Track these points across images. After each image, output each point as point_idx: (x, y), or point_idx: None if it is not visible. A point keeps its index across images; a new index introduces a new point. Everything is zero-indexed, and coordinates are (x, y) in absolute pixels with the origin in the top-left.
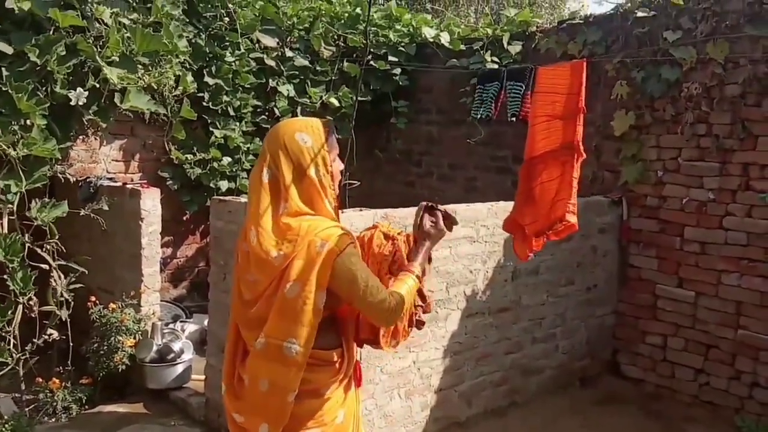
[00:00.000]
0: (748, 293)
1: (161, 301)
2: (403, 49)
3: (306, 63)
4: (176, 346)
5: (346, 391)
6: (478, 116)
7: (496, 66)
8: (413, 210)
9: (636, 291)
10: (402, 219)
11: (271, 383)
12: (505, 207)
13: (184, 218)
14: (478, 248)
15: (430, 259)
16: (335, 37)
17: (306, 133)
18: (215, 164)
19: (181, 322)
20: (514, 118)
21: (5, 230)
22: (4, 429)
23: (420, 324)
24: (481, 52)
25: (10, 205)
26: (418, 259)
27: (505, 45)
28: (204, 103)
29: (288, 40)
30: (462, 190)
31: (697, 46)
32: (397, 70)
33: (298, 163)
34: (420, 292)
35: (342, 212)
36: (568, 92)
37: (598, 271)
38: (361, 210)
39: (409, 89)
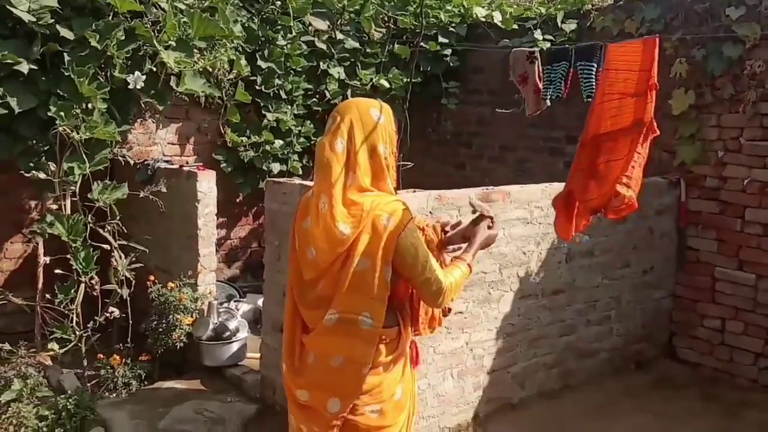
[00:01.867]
0: None
1: (218, 282)
2: (453, 29)
3: (356, 45)
4: (232, 325)
5: (404, 369)
6: (548, 97)
7: (549, 45)
8: (465, 192)
9: (694, 273)
10: (455, 200)
11: (346, 358)
12: (559, 188)
13: (238, 200)
14: (531, 230)
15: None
16: (385, 18)
17: (381, 112)
18: (268, 147)
19: (235, 301)
20: (590, 99)
21: (68, 211)
22: (68, 403)
23: (447, 311)
24: (534, 31)
25: (73, 187)
26: (471, 251)
27: (559, 24)
28: (257, 87)
29: (338, 22)
30: (512, 171)
31: (761, 22)
32: (448, 51)
33: (371, 136)
34: None
35: (397, 193)
36: (640, 69)
37: (655, 253)
38: (414, 191)
39: (459, 70)
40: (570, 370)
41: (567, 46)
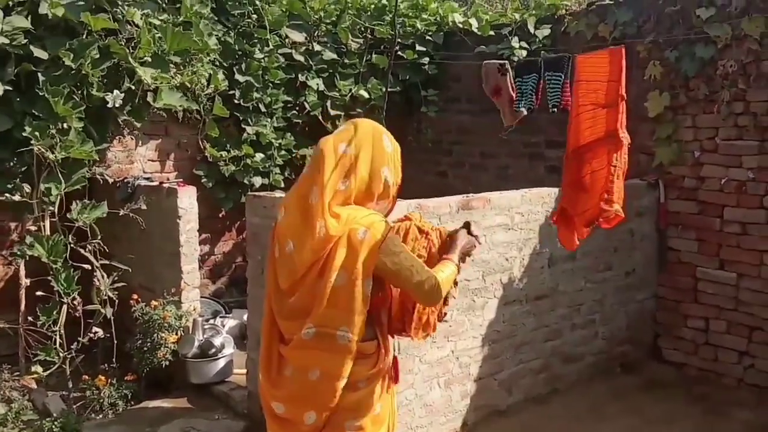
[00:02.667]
0: None
1: (203, 297)
2: (430, 38)
3: (334, 56)
4: (217, 341)
5: (383, 384)
6: (520, 109)
7: (525, 52)
8: (446, 200)
9: (676, 274)
10: (435, 209)
11: (322, 372)
12: (539, 194)
13: (220, 215)
14: (513, 236)
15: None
16: (362, 29)
17: (392, 143)
18: (248, 161)
19: (220, 317)
20: (555, 110)
21: (48, 232)
22: (53, 426)
23: (443, 316)
24: (510, 37)
25: (51, 207)
26: (455, 252)
27: (532, 30)
28: (235, 101)
29: (315, 34)
30: (494, 178)
31: (731, 23)
32: (426, 60)
33: (379, 158)
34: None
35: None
36: (608, 79)
37: (636, 255)
38: None
39: (438, 78)
40: (557, 374)
41: (537, 58)
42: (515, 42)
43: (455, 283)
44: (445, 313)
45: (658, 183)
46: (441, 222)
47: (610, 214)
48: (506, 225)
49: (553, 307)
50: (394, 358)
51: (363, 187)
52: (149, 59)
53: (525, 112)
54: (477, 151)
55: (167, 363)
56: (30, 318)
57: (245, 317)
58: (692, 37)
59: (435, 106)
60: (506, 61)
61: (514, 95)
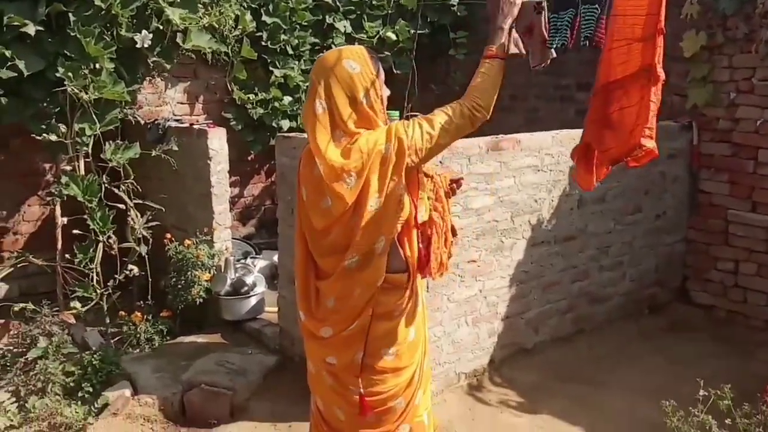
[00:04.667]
0: None
1: (234, 239)
2: None
3: None
4: (249, 280)
5: (415, 311)
6: (554, 45)
7: None
8: (475, 140)
9: (707, 217)
10: (464, 149)
11: (362, 288)
12: (569, 135)
13: (249, 158)
14: (542, 177)
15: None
16: None
17: (353, 60)
18: (276, 104)
19: (251, 258)
20: (586, 42)
21: (82, 172)
22: (93, 359)
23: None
24: None
25: (85, 148)
26: (496, 36)
27: None
28: (262, 43)
29: None
30: (524, 121)
31: None
32: (455, 0)
33: (350, 89)
34: (453, 228)
35: None
36: (647, 13)
37: (667, 197)
38: None
39: (467, 20)
40: (583, 315)
41: None
42: None
43: (454, 232)
44: (451, 255)
45: (691, 125)
46: (470, 162)
47: (641, 152)
48: (536, 166)
49: (582, 248)
50: (419, 250)
51: (353, 122)
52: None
53: (554, 54)
54: (506, 94)
55: (201, 300)
56: (67, 256)
57: (275, 258)
58: None
59: (464, 48)
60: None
61: (547, 35)
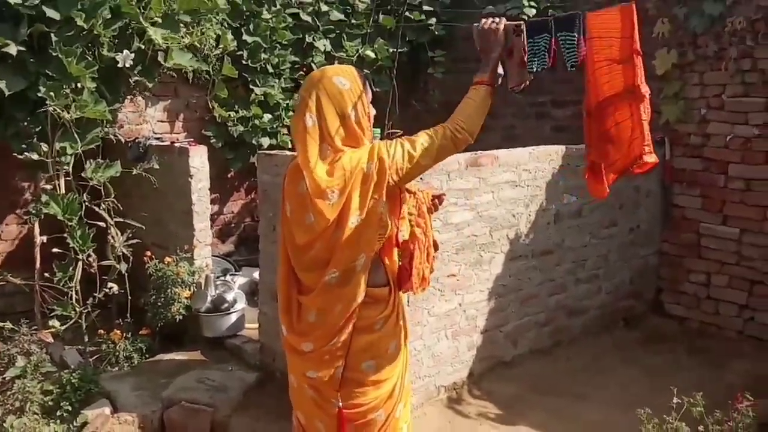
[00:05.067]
0: None
1: (214, 256)
2: None
3: (341, 17)
4: (229, 296)
5: (395, 326)
6: (533, 69)
7: (534, 11)
8: (453, 157)
9: (680, 230)
10: (444, 165)
11: (343, 304)
12: (546, 151)
13: (229, 176)
14: (520, 192)
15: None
16: None
17: (343, 77)
18: (256, 121)
19: (230, 275)
20: (573, 68)
21: (63, 190)
22: (72, 377)
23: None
24: None
25: (66, 167)
26: (488, 66)
27: None
28: (243, 62)
29: None
30: (500, 138)
31: None
32: (433, 20)
33: (339, 105)
34: (435, 243)
35: None
36: (621, 36)
37: (641, 211)
38: None
39: (445, 38)
40: (561, 327)
41: (546, 17)
42: (525, 1)
43: (436, 247)
44: (433, 270)
45: (664, 140)
46: (450, 178)
47: (642, 162)
48: (513, 182)
49: (559, 262)
50: (400, 266)
51: (340, 136)
52: (159, 20)
53: (532, 76)
54: None
55: (181, 317)
56: (45, 275)
57: (255, 274)
58: None
59: (442, 67)
60: (522, 22)
61: (525, 57)
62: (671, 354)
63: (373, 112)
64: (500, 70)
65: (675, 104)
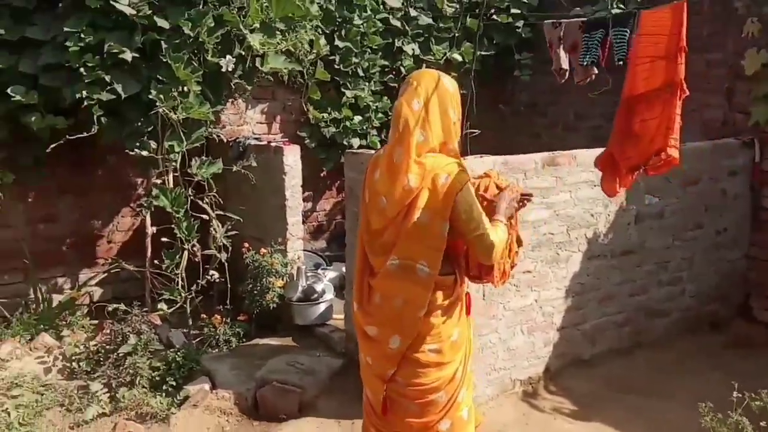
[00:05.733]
0: None
1: (305, 251)
2: (525, 0)
3: (429, 21)
4: (319, 287)
5: (460, 314)
6: (585, 63)
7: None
8: (531, 156)
9: None
10: (521, 164)
11: (404, 300)
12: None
13: (321, 175)
14: (598, 192)
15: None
16: None
17: (452, 83)
18: (347, 123)
19: (321, 269)
20: (621, 62)
21: (171, 185)
22: (177, 356)
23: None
24: None
25: (174, 163)
26: (500, 212)
27: None
28: (335, 66)
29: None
30: (586, 138)
31: None
32: (520, 23)
33: (444, 101)
34: (518, 238)
35: (464, 159)
36: (669, 33)
37: (729, 214)
38: (481, 156)
39: (532, 41)
40: (641, 329)
41: (606, 14)
42: (612, 3)
43: (519, 242)
44: (514, 265)
45: (753, 142)
46: (526, 177)
47: (659, 161)
48: (592, 182)
49: (640, 263)
50: (467, 293)
51: (438, 132)
52: (257, 26)
53: (596, 71)
54: (570, 112)
55: (275, 305)
56: (155, 262)
57: (343, 269)
58: None
59: (528, 69)
60: (585, 18)
61: (580, 51)
62: (758, 359)
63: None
64: (565, 65)
65: (765, 105)
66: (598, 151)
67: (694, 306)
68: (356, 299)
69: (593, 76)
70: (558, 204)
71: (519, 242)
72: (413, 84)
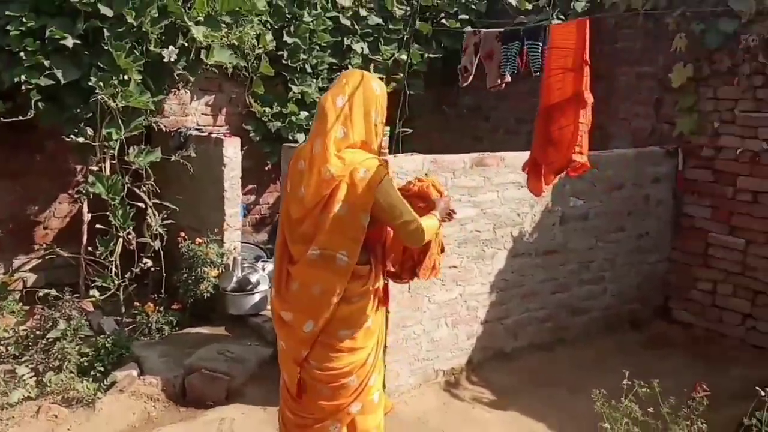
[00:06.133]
0: None
1: (246, 243)
2: (474, 6)
3: (379, 21)
4: (254, 278)
5: (374, 302)
6: (506, 73)
7: (557, 21)
8: (460, 156)
9: (689, 239)
10: (450, 164)
11: (322, 288)
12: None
13: (266, 168)
14: (525, 193)
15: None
16: None
17: (379, 86)
18: (293, 118)
19: (262, 261)
20: (537, 73)
21: (108, 172)
22: (106, 342)
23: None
24: (548, 8)
25: (111, 150)
26: (438, 210)
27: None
28: (283, 61)
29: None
30: (526, 142)
31: None
32: (468, 28)
33: (368, 103)
34: (442, 245)
35: (394, 156)
36: (575, 47)
37: (651, 219)
38: (411, 154)
39: None
40: (563, 325)
41: (520, 27)
42: (554, 13)
43: (442, 249)
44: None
45: (677, 151)
46: (455, 176)
47: (576, 164)
48: (519, 182)
49: (563, 262)
50: (385, 284)
51: (359, 130)
52: (202, 19)
53: (509, 78)
54: (511, 117)
55: (209, 295)
56: (90, 249)
57: None
58: (718, 11)
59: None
60: (502, 29)
61: (500, 62)
62: (674, 358)
63: (386, 129)
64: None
65: (689, 117)
66: (526, 154)
67: (614, 305)
68: (275, 286)
69: (504, 84)
70: (485, 203)
71: (442, 248)
72: (342, 81)
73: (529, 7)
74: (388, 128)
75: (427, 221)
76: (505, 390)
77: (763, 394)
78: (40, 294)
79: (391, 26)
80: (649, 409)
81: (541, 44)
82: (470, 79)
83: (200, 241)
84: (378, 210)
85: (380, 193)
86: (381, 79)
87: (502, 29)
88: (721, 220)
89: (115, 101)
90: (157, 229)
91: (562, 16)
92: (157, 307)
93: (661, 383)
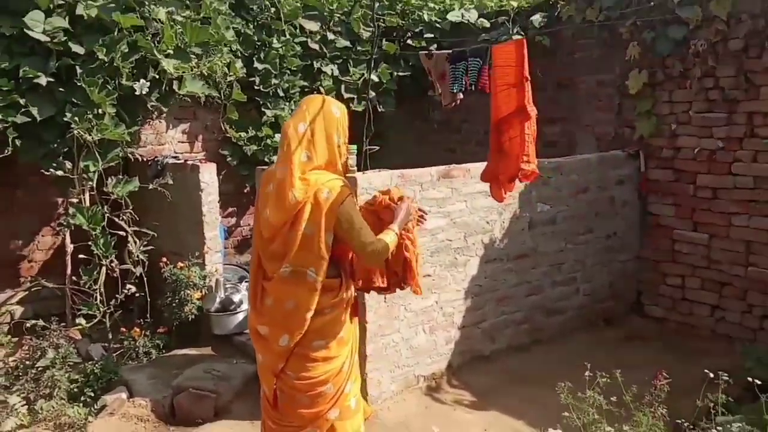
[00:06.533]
0: (756, 233)
1: (229, 264)
2: (438, 25)
3: (347, 44)
4: (236, 298)
5: (345, 313)
6: (454, 90)
7: (517, 37)
8: (427, 169)
9: (656, 237)
10: (417, 177)
11: (296, 304)
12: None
13: (245, 191)
14: (493, 201)
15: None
16: (373, 18)
17: (339, 109)
18: (268, 141)
19: (245, 282)
20: (472, 87)
21: (87, 203)
22: (95, 368)
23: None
24: (509, 25)
25: (90, 182)
26: (397, 220)
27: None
28: (255, 87)
29: (330, 24)
30: None
31: (702, 5)
32: (433, 46)
33: (330, 126)
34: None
35: (363, 173)
36: (515, 65)
37: (618, 220)
38: (379, 170)
39: None
40: (538, 326)
41: (466, 48)
42: (514, 28)
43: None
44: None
45: (639, 153)
46: (423, 188)
47: (527, 172)
48: (486, 192)
49: (534, 265)
50: (355, 297)
51: (323, 153)
52: (172, 51)
53: (461, 96)
54: (481, 129)
55: (193, 317)
56: (74, 279)
57: None
58: (667, 19)
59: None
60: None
61: (449, 81)
62: (648, 351)
63: (351, 150)
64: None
65: (648, 120)
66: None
67: (588, 304)
68: (251, 301)
69: (458, 101)
70: (454, 213)
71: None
72: (303, 107)
73: (488, 25)
74: (354, 147)
75: (385, 238)
76: (485, 391)
77: (712, 375)
78: (28, 325)
79: (359, 48)
80: (612, 398)
81: (480, 62)
82: (446, 97)
83: (182, 265)
84: (338, 228)
85: (341, 213)
86: (350, 99)
87: (450, 51)
88: (685, 217)
89: (90, 135)
90: (138, 256)
91: (521, 33)
92: (143, 332)
93: (633, 375)
